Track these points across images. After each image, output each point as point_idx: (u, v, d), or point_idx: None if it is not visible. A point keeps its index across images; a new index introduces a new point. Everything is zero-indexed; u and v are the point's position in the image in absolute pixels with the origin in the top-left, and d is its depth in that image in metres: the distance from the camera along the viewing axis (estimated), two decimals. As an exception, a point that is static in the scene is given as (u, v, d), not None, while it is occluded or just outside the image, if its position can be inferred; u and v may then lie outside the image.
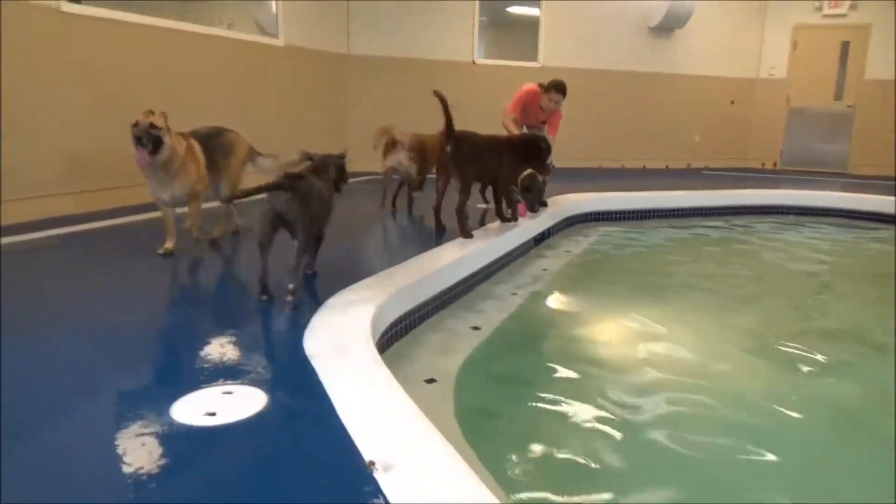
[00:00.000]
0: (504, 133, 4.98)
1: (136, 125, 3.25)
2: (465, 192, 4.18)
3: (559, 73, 9.10)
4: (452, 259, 3.56)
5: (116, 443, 1.57)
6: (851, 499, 1.96)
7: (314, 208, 2.79)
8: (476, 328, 3.20)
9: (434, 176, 4.56)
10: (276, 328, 2.55)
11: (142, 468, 1.47)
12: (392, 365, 2.14)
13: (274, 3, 6.88)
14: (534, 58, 9.36)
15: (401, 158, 5.17)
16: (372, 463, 1.46)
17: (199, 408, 1.75)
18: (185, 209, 3.64)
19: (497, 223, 4.56)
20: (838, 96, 10.30)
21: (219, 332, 2.46)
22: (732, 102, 10.59)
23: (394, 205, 5.47)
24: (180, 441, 1.60)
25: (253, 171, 4.08)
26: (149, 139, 3.24)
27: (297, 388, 1.93)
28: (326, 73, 7.94)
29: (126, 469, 1.46)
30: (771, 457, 2.14)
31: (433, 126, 5.50)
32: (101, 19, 4.83)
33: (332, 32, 8.00)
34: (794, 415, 2.44)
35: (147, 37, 5.26)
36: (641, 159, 10.19)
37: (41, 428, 1.66)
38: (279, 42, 6.87)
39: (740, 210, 6.85)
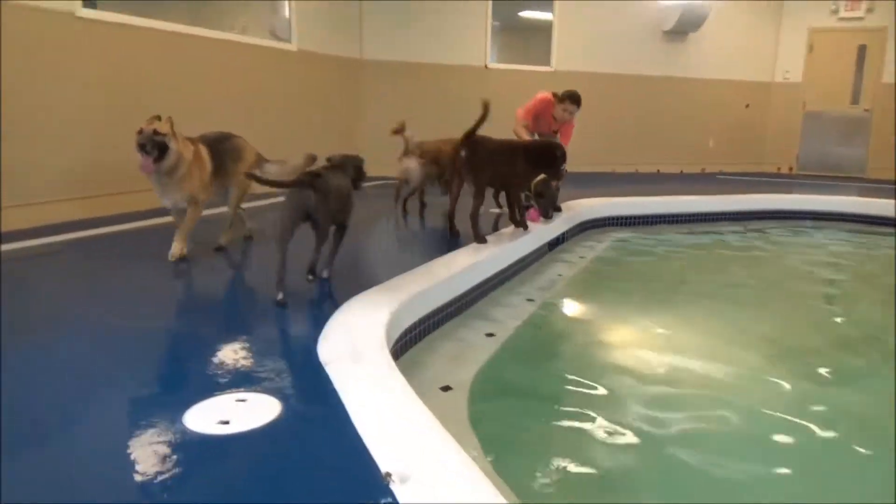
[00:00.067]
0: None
1: (140, 132, 3.21)
2: (478, 197, 4.14)
3: (572, 77, 9.15)
4: (466, 265, 3.52)
5: (129, 451, 1.55)
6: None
7: (333, 203, 2.97)
8: (490, 335, 3.16)
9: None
10: (288, 334, 2.54)
11: (155, 477, 1.44)
12: (406, 372, 2.11)
13: (287, 8, 6.89)
14: (547, 62, 9.33)
15: (410, 165, 5.17)
16: (388, 474, 1.43)
17: (213, 416, 1.73)
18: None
19: (510, 228, 4.52)
20: (855, 100, 10.19)
21: (231, 338, 2.44)
22: (747, 106, 10.50)
23: (405, 208, 5.45)
24: (194, 450, 1.57)
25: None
26: (153, 146, 3.20)
27: (312, 396, 1.90)
28: (339, 77, 7.94)
29: (138, 478, 1.44)
30: (790, 471, 2.09)
31: (446, 131, 5.50)
32: (116, 24, 4.86)
33: (345, 37, 8.01)
34: (816, 428, 2.37)
35: (161, 41, 5.28)
36: (655, 164, 10.12)
37: (52, 435, 1.65)
38: (292, 47, 6.88)
39: (756, 215, 6.77)
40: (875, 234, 6.25)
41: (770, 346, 3.24)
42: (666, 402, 2.52)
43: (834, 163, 10.33)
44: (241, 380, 1.98)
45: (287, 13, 6.91)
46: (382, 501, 1.35)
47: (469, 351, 2.95)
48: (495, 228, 4.70)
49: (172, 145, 3.27)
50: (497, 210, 5.41)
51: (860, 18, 9.92)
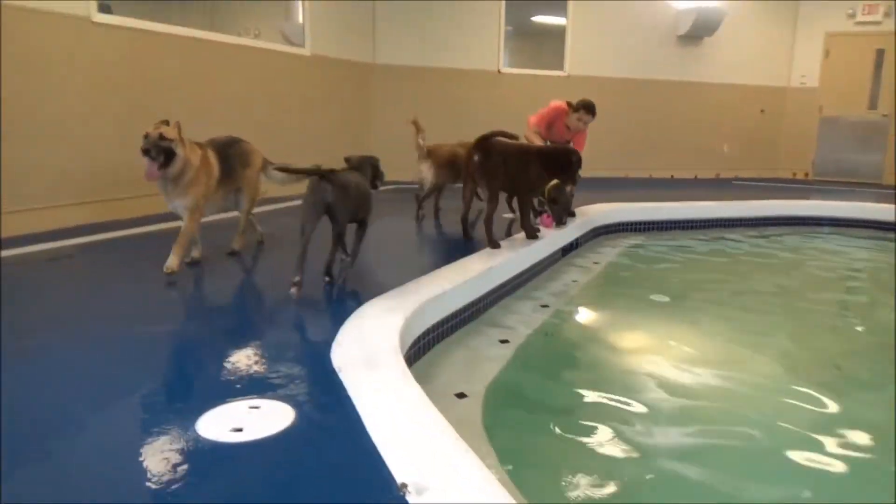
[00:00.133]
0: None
1: (145, 136, 3.13)
2: (492, 202, 4.11)
3: (586, 82, 9.11)
4: (480, 270, 3.49)
5: (141, 459, 1.53)
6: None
7: (352, 201, 3.11)
8: (505, 341, 3.13)
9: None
10: (301, 339, 2.51)
11: (167, 486, 1.42)
12: (420, 378, 2.08)
13: (301, 13, 6.91)
14: (560, 66, 9.30)
15: (422, 168, 5.17)
16: (404, 485, 1.40)
17: (226, 423, 1.71)
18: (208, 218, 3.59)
19: (523, 233, 4.47)
20: (872, 105, 10.06)
21: (244, 343, 2.42)
22: (763, 111, 10.41)
23: (420, 207, 5.42)
24: (207, 458, 1.55)
25: (265, 181, 4.02)
26: (158, 151, 3.12)
27: (326, 404, 1.88)
28: (352, 82, 7.94)
29: (151, 486, 1.42)
30: (809, 487, 2.04)
31: (459, 135, 5.48)
32: (131, 29, 4.88)
33: (358, 42, 8.02)
34: (834, 440, 2.31)
35: (175, 46, 5.30)
36: (669, 169, 10.04)
37: (63, 442, 1.63)
38: (306, 51, 6.89)
39: (772, 221, 6.69)
40: (893, 241, 6.15)
41: (787, 357, 3.18)
42: (681, 414, 2.48)
43: (850, 168, 10.20)
44: (255, 386, 1.96)
45: (300, 18, 6.92)
46: (398, 513, 1.32)
47: (483, 357, 2.92)
48: (508, 234, 4.67)
49: (179, 151, 3.20)
50: (510, 215, 5.38)
51: (878, 23, 9.80)
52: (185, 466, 1.50)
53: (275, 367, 2.12)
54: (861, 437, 2.35)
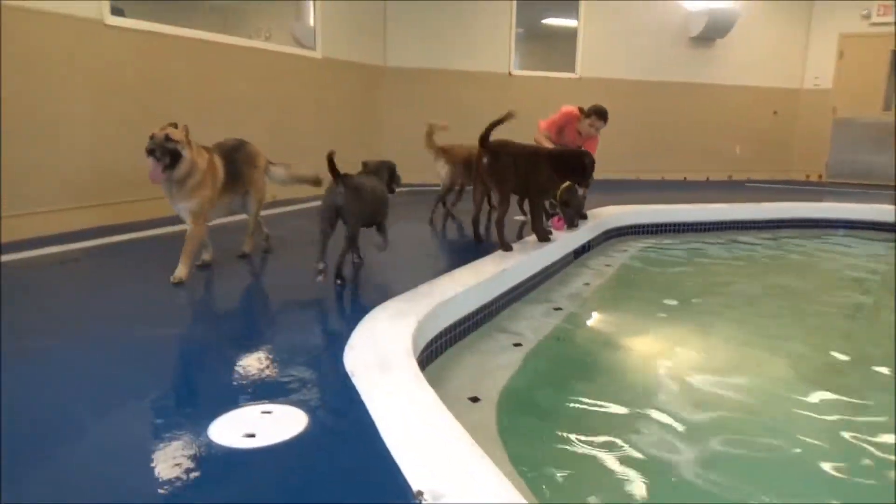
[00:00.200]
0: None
1: (151, 137, 3.09)
2: (503, 204, 4.08)
3: (597, 84, 9.07)
4: (493, 273, 3.46)
5: (153, 464, 1.51)
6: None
7: (366, 204, 3.23)
8: (518, 345, 3.10)
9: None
10: (314, 343, 2.49)
11: (180, 492, 1.40)
12: (433, 382, 2.06)
13: (312, 15, 6.91)
14: (571, 69, 9.25)
15: (437, 169, 5.15)
16: (420, 493, 1.37)
17: (238, 428, 1.69)
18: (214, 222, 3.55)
19: (535, 236, 4.43)
20: (887, 106, 9.94)
21: (255, 347, 2.41)
22: (775, 113, 10.32)
23: (437, 208, 5.42)
24: (220, 464, 1.53)
25: (266, 181, 4.00)
26: (163, 152, 3.07)
27: (339, 408, 1.85)
28: (362, 84, 7.94)
29: (163, 491, 1.40)
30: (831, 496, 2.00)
31: (469, 138, 5.45)
32: (143, 31, 4.89)
33: (369, 44, 8.01)
34: (855, 448, 2.27)
35: (188, 49, 5.30)
36: (681, 171, 9.97)
37: (73, 446, 1.61)
38: (317, 54, 6.89)
39: (786, 223, 6.62)
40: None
41: (803, 361, 3.14)
42: (696, 421, 2.43)
43: (864, 170, 10.08)
44: (267, 390, 1.94)
45: (311, 20, 6.92)
46: (414, 521, 1.30)
47: (497, 361, 2.89)
48: (520, 236, 4.64)
49: (186, 153, 3.15)
50: (521, 217, 5.35)
51: (892, 23, 9.68)
52: (198, 473, 1.48)
53: (287, 371, 2.11)
54: (877, 441, 2.31)
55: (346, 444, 1.64)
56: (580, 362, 3.15)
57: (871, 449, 2.26)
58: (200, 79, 5.45)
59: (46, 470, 1.50)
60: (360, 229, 3.28)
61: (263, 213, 4.06)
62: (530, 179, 4.14)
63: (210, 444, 1.61)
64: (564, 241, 4.60)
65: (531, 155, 4.19)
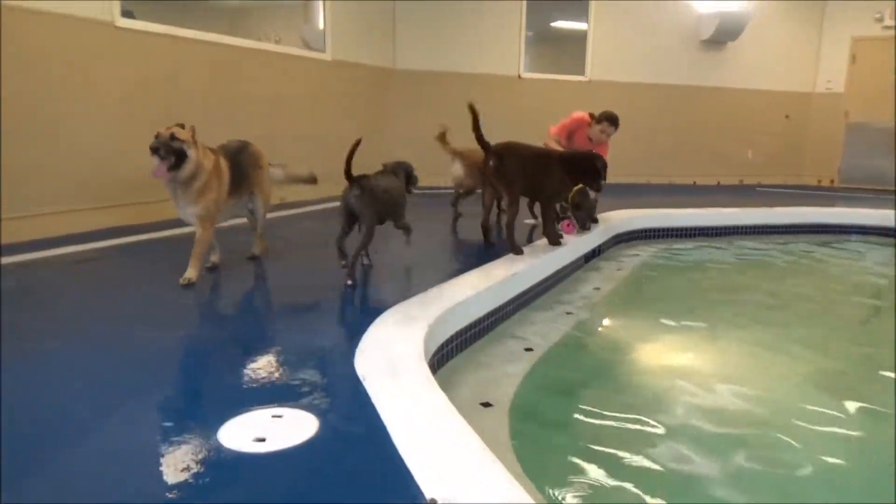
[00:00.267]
0: None
1: (156, 136, 3.03)
2: (513, 206, 4.03)
3: (607, 87, 9.03)
4: (503, 276, 3.43)
5: (162, 468, 1.49)
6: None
7: (382, 204, 3.36)
8: (529, 349, 3.06)
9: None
10: (324, 347, 2.46)
11: (190, 496, 1.38)
12: (444, 387, 2.03)
13: (320, 18, 6.91)
14: (581, 71, 9.22)
15: (452, 171, 5.16)
16: (434, 501, 1.34)
17: (248, 432, 1.66)
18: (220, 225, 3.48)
19: (545, 240, 4.40)
20: (900, 111, 9.85)
21: (264, 350, 2.38)
22: (787, 117, 10.25)
23: (456, 209, 5.43)
24: (230, 468, 1.50)
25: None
26: (167, 151, 3.00)
27: (350, 413, 1.82)
28: (372, 86, 7.93)
29: (172, 496, 1.38)
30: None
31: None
32: (154, 34, 4.89)
33: (378, 47, 8.01)
34: (883, 468, 2.22)
35: (198, 51, 5.31)
36: (691, 175, 9.91)
37: (81, 449, 1.59)
38: (327, 56, 6.88)
39: (798, 228, 6.56)
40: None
41: (819, 371, 3.08)
42: (711, 430, 2.39)
43: (877, 175, 9.97)
44: (277, 394, 1.91)
45: (320, 24, 6.92)
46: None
47: (508, 366, 2.86)
48: (529, 240, 4.60)
49: (191, 154, 3.08)
50: (532, 221, 5.32)
51: (906, 27, 9.62)
52: (207, 477, 1.46)
53: (297, 375, 2.08)
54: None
55: (357, 450, 1.61)
56: (592, 368, 3.11)
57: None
58: (210, 81, 5.45)
59: (52, 472, 1.48)
60: (375, 228, 3.34)
61: (272, 215, 4.05)
62: (541, 182, 4.08)
63: (220, 448, 1.58)
64: (575, 245, 4.56)
65: (541, 157, 4.13)
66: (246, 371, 2.12)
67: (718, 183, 10.03)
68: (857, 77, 10.00)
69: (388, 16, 8.14)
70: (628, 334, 3.70)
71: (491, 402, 2.46)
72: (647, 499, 1.92)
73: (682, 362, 3.18)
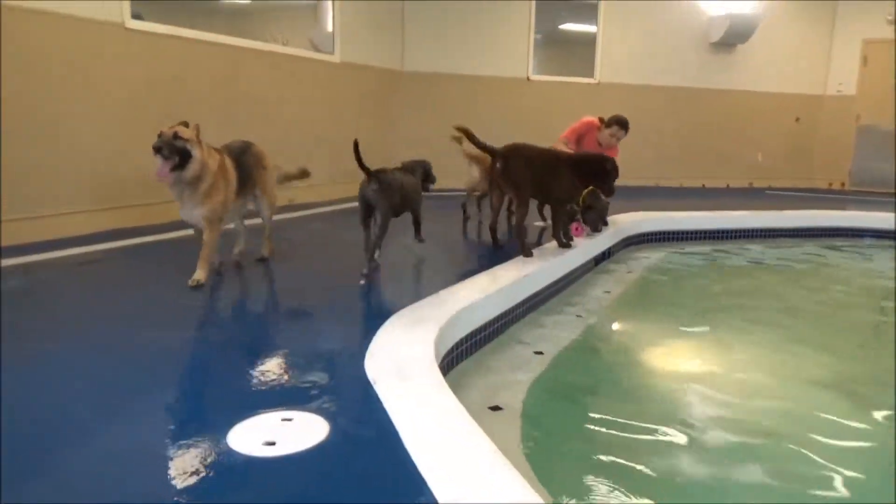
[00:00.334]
0: None
1: (159, 135, 2.94)
2: (522, 208, 4.00)
3: (617, 90, 9.00)
4: (513, 279, 3.40)
5: (170, 472, 1.47)
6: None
7: (396, 199, 3.52)
8: (539, 353, 3.04)
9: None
10: (334, 349, 2.44)
11: (199, 500, 1.36)
12: (454, 390, 2.00)
13: (329, 21, 6.91)
14: (590, 74, 9.19)
15: (470, 174, 5.20)
16: (447, 508, 1.32)
17: (258, 436, 1.64)
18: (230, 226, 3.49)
19: (555, 243, 4.37)
20: (912, 113, 9.77)
21: (273, 352, 2.37)
22: (798, 120, 10.18)
23: (478, 211, 5.45)
24: (240, 473, 1.48)
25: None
26: (171, 150, 2.92)
27: (361, 417, 1.80)
28: (380, 88, 7.92)
29: (181, 500, 1.36)
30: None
31: (488, 142, 5.41)
32: (163, 35, 4.90)
33: (387, 49, 8.00)
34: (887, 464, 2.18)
35: (207, 52, 5.31)
36: (700, 178, 9.86)
37: (87, 452, 1.58)
38: (335, 58, 6.88)
39: (808, 232, 6.51)
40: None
41: (834, 378, 3.02)
42: (725, 442, 2.34)
43: (888, 178, 9.87)
44: (286, 397, 1.90)
45: (328, 27, 6.92)
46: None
47: (518, 369, 2.83)
48: (539, 242, 4.57)
49: (196, 153, 3.00)
50: (541, 223, 5.29)
51: (918, 29, 9.54)
52: (217, 481, 1.44)
53: (307, 378, 2.06)
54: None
55: (369, 454, 1.59)
56: (603, 373, 3.08)
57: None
58: (220, 82, 5.46)
59: (60, 475, 1.46)
60: (390, 221, 3.50)
61: (281, 216, 4.04)
62: (550, 184, 4.04)
63: (230, 452, 1.56)
64: (585, 247, 4.54)
65: (550, 159, 4.09)
66: (254, 373, 2.10)
67: (728, 186, 9.98)
68: (868, 79, 9.92)
69: (396, 18, 8.14)
70: (639, 338, 3.66)
71: (500, 406, 2.44)
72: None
73: (692, 367, 3.15)
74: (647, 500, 1.91)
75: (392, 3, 7.99)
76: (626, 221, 5.70)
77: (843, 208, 7.61)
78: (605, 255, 5.04)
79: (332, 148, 6.47)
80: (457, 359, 2.73)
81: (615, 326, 3.75)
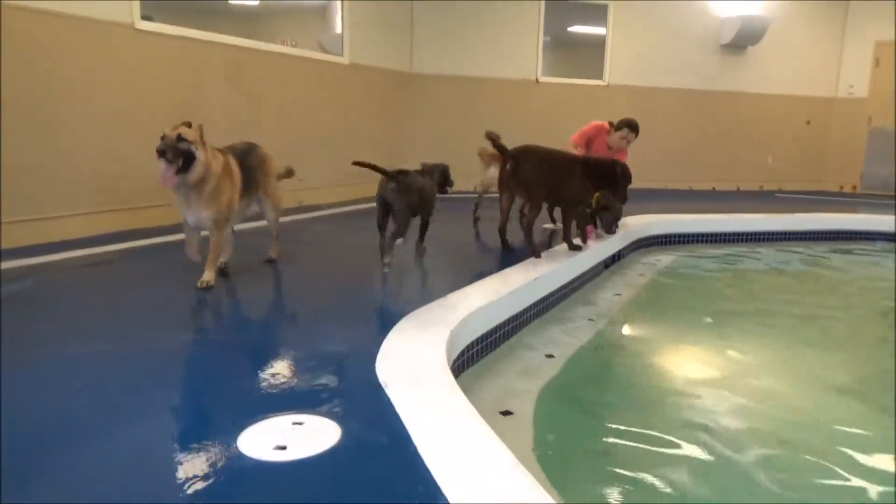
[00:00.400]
0: None
1: (162, 137, 2.86)
2: (533, 209, 3.98)
3: (626, 92, 8.97)
4: (523, 281, 3.37)
5: (179, 475, 1.45)
6: None
7: (414, 199, 3.54)
8: (550, 356, 3.01)
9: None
10: (344, 352, 2.42)
11: (208, 507, 1.34)
12: (466, 394, 1.97)
13: (338, 23, 6.91)
14: (599, 76, 9.15)
15: (488, 175, 5.23)
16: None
17: (269, 440, 1.62)
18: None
19: (564, 245, 4.33)
20: (925, 116, 9.68)
21: (283, 355, 2.35)
22: (809, 122, 10.11)
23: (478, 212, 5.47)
24: (250, 477, 1.46)
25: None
26: (175, 154, 2.84)
27: (373, 421, 1.78)
28: (388, 90, 7.91)
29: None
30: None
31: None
32: (173, 36, 4.90)
33: (396, 50, 7.99)
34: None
35: (216, 53, 5.31)
36: (710, 181, 9.81)
37: (94, 455, 1.56)
38: (344, 60, 6.88)
39: (820, 235, 6.46)
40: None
41: (849, 383, 2.98)
42: (740, 449, 2.31)
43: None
44: (297, 401, 1.87)
45: (336, 28, 6.92)
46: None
47: (529, 373, 2.80)
48: (548, 245, 4.54)
49: (200, 155, 2.92)
50: (550, 226, 5.26)
51: (930, 31, 9.45)
52: (227, 486, 1.42)
53: (317, 381, 2.04)
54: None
55: (381, 458, 1.56)
56: (614, 377, 3.05)
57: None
58: (229, 84, 5.45)
59: (68, 479, 1.45)
60: (408, 220, 3.54)
61: (288, 218, 4.03)
62: (561, 186, 4.02)
63: (240, 457, 1.54)
64: (595, 250, 4.51)
65: (562, 161, 4.07)
66: (264, 376, 2.08)
67: (738, 189, 9.92)
68: (880, 81, 9.84)
69: (405, 19, 8.13)
70: (650, 342, 3.63)
71: (511, 411, 2.41)
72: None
73: (704, 372, 3.11)
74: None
75: (401, 5, 7.99)
76: (636, 224, 5.66)
77: (855, 211, 7.54)
78: (615, 258, 5.00)
79: (340, 149, 6.47)
80: (467, 362, 2.70)
81: (626, 330, 3.72)
